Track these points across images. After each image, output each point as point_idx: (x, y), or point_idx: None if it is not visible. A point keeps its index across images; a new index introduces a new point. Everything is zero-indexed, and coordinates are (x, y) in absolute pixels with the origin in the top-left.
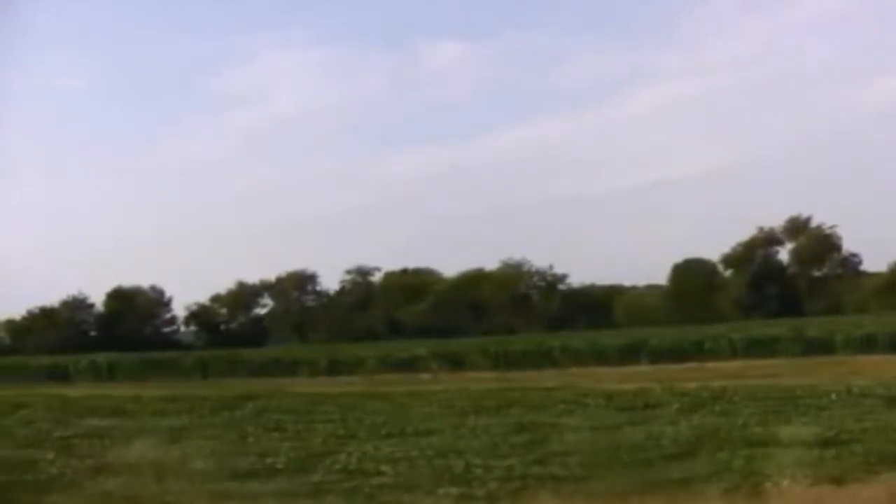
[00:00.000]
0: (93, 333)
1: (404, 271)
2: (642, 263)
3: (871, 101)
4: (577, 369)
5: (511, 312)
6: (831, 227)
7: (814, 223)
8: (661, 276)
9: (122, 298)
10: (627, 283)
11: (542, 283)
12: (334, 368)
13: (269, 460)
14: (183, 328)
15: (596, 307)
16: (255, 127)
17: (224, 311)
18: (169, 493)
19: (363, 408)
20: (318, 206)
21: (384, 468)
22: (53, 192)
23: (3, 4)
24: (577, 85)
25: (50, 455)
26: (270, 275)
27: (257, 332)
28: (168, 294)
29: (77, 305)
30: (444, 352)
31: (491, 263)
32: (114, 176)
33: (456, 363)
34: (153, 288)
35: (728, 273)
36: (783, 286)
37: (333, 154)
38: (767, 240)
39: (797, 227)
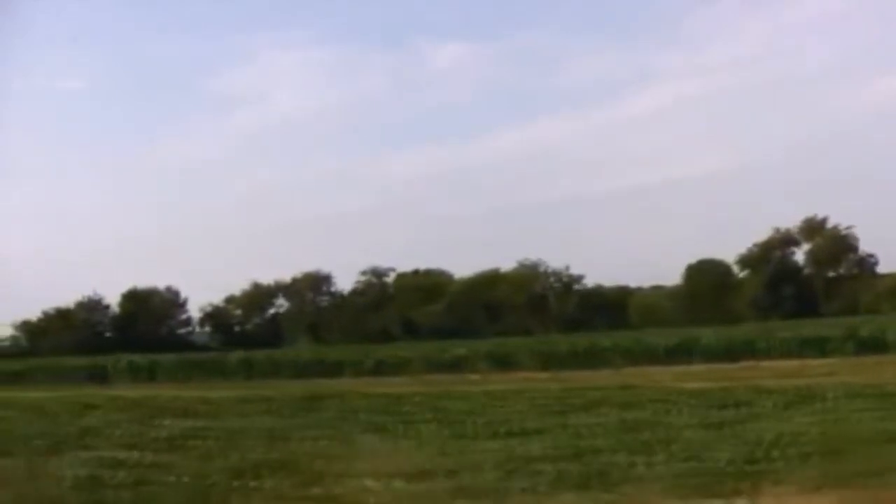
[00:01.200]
0: (108, 334)
1: (415, 272)
2: (651, 264)
3: (875, 100)
4: (631, 369)
5: (526, 313)
6: (847, 228)
7: (829, 224)
8: (669, 277)
9: (137, 299)
10: (634, 283)
11: (558, 284)
12: (379, 369)
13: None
14: (197, 329)
15: (610, 308)
16: (259, 127)
17: (238, 312)
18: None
19: (448, 408)
20: (321, 205)
21: (542, 467)
22: (61, 193)
23: (4, 4)
24: (582, 85)
25: (170, 457)
26: (284, 275)
27: (272, 333)
28: (183, 295)
29: (92, 306)
30: (491, 352)
31: (495, 264)
32: (120, 176)
33: (503, 363)
34: (168, 289)
35: (743, 274)
36: (799, 287)
37: (336, 154)
38: (784, 241)
39: (813, 227)
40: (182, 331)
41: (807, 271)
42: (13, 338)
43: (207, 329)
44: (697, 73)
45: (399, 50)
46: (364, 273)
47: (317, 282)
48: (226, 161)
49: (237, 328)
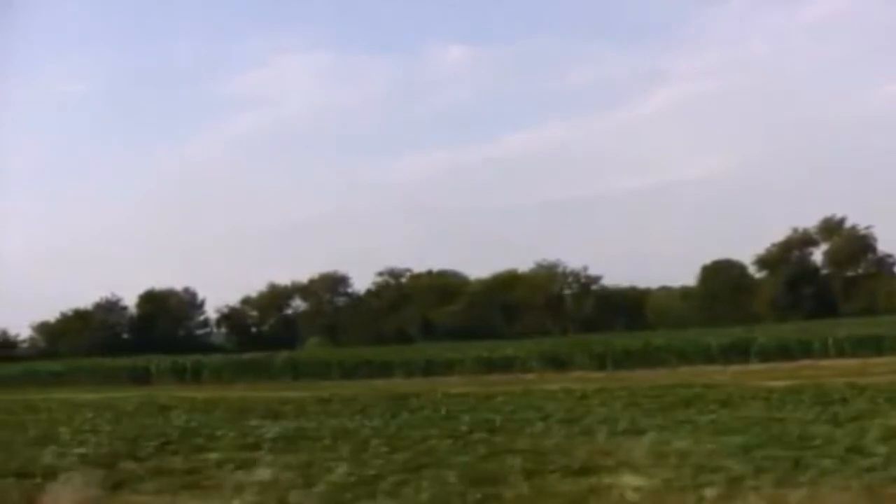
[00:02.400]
0: (126, 336)
1: (429, 273)
2: (665, 265)
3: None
4: (687, 368)
5: (544, 314)
6: (866, 228)
7: (847, 224)
8: (683, 278)
9: (154, 301)
10: (647, 284)
11: (576, 285)
12: (429, 369)
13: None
14: (214, 330)
15: (626, 309)
16: (268, 129)
17: (255, 313)
18: None
19: (544, 407)
20: (329, 205)
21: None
22: (75, 195)
23: (8, 9)
24: (592, 86)
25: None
26: (301, 276)
27: (288, 334)
28: (201, 296)
29: (110, 308)
30: (543, 352)
31: (508, 264)
32: (133, 179)
33: (557, 363)
34: (186, 290)
35: (761, 274)
36: (817, 287)
37: (344, 155)
38: (802, 241)
39: (831, 227)
40: (200, 332)
41: (825, 271)
42: (31, 339)
43: (224, 330)
44: (708, 74)
45: (406, 53)
46: (381, 274)
47: (333, 283)
48: (235, 162)
49: (253, 329)
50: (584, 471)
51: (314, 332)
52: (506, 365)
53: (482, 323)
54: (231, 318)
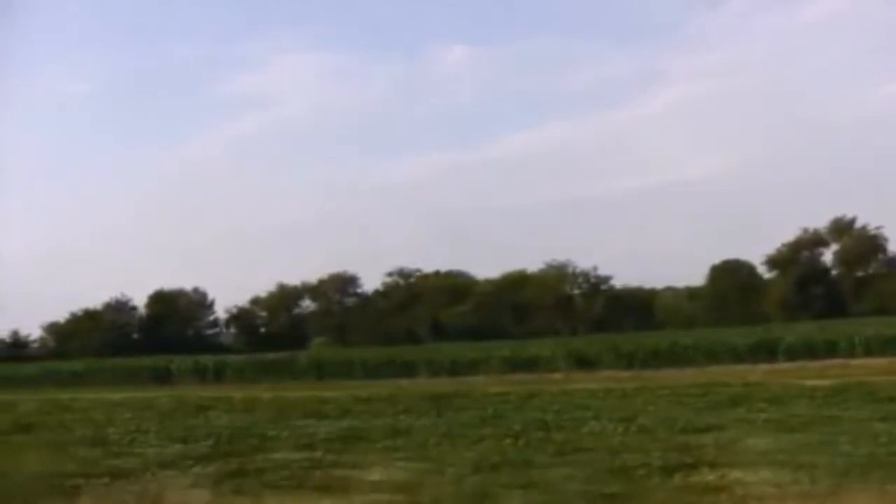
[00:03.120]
0: (135, 336)
1: (437, 273)
2: (673, 265)
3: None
4: (715, 367)
5: (553, 314)
6: (877, 228)
7: (858, 224)
8: (691, 278)
9: (163, 301)
10: (653, 285)
11: (586, 285)
12: (455, 369)
13: None
14: (223, 331)
15: (635, 308)
16: (269, 129)
17: (264, 313)
18: None
19: (589, 405)
20: (334, 206)
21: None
22: (83, 195)
23: (8, 9)
24: (594, 87)
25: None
26: (309, 276)
27: (297, 335)
28: (210, 296)
29: (120, 308)
30: (570, 351)
31: (514, 265)
32: (138, 179)
33: (583, 362)
34: (195, 290)
35: (770, 274)
36: (827, 287)
37: (347, 156)
38: (812, 241)
39: (841, 228)
40: (209, 332)
41: (835, 272)
42: (41, 339)
43: (233, 330)
44: (710, 74)
45: (410, 54)
46: (390, 274)
47: (342, 283)
48: (237, 162)
49: (262, 329)
50: (692, 467)
51: (323, 333)
52: (530, 364)
53: (492, 323)
54: (240, 318)
